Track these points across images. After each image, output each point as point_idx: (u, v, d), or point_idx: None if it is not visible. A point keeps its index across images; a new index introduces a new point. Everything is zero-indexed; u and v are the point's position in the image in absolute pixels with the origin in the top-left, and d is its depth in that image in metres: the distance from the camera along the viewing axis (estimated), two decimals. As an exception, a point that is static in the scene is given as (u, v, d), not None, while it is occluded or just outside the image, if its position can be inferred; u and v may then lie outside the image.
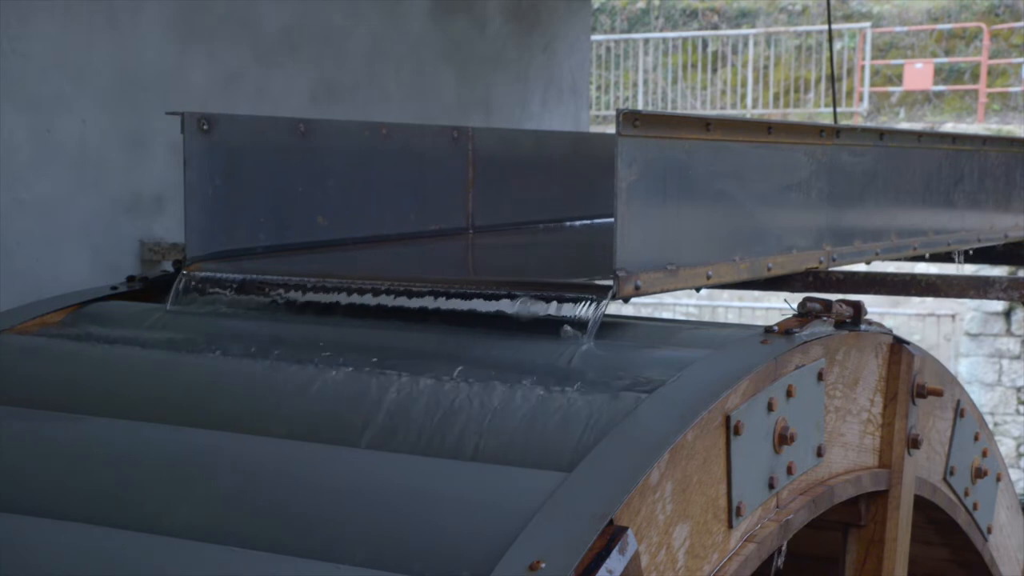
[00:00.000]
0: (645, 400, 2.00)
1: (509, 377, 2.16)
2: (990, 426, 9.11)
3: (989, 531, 3.11)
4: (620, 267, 2.24)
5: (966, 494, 2.98)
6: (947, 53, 17.08)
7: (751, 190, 2.69)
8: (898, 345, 2.60)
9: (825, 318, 2.40)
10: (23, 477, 2.16)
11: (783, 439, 2.16)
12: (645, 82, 17.93)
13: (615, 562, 1.67)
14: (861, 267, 3.28)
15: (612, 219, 2.25)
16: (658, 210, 2.35)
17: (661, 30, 18.62)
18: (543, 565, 1.63)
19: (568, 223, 4.24)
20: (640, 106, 17.13)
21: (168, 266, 3.11)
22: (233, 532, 1.91)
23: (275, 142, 3.12)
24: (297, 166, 3.15)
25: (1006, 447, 12.06)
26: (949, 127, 14.16)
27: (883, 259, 3.35)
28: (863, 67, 16.67)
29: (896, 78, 16.96)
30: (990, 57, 16.40)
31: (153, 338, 2.62)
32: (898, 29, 17.44)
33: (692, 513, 1.93)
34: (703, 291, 2.66)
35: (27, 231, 3.81)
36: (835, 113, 7.44)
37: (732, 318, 13.58)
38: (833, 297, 2.48)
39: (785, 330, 2.28)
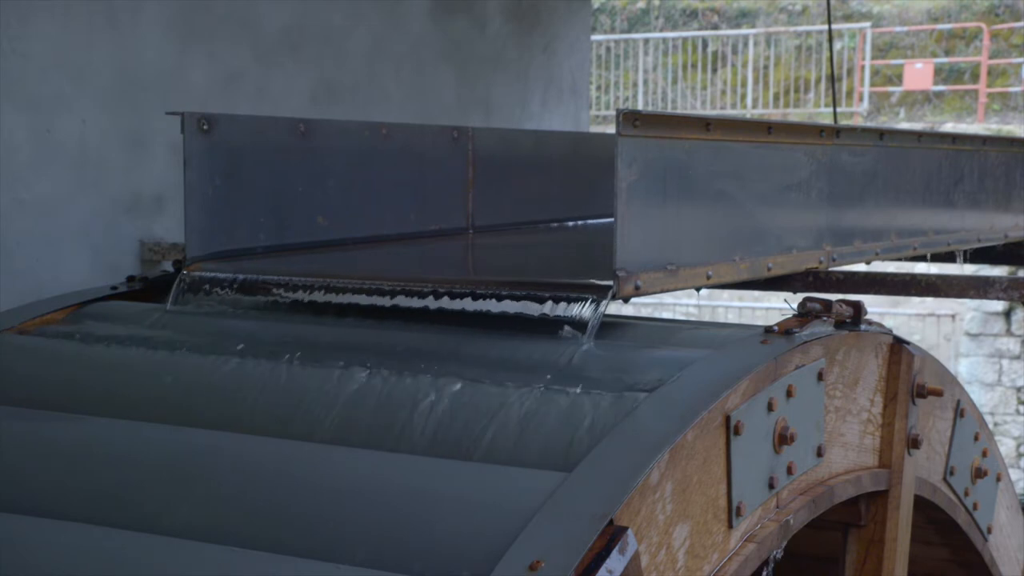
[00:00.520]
0: (645, 400, 2.00)
1: (509, 377, 2.16)
2: (990, 426, 9.11)
3: (989, 531, 3.11)
4: (620, 267, 2.24)
5: (966, 494, 2.98)
6: (947, 53, 17.08)
7: (751, 190, 2.69)
8: (898, 345, 2.59)
9: (825, 318, 2.39)
10: (23, 477, 2.16)
11: (783, 439, 2.16)
12: (645, 82, 17.93)
13: (615, 562, 1.67)
14: (861, 267, 3.28)
15: (612, 219, 2.25)
16: (658, 210, 2.35)
17: (661, 30, 18.62)
18: (543, 565, 1.63)
19: (568, 223, 4.24)
20: (640, 106, 17.13)
21: (168, 266, 3.11)
22: (233, 532, 1.91)
23: (275, 142, 3.12)
24: (297, 166, 3.15)
25: (1006, 447, 12.06)
26: (949, 127, 14.16)
27: (883, 259, 3.35)
28: (863, 67, 16.67)
29: (896, 78, 16.96)
30: (990, 57, 16.40)
31: (153, 338, 2.62)
32: (898, 29, 17.44)
33: (692, 513, 1.93)
34: (703, 291, 2.65)
35: (27, 231, 3.81)
36: (835, 113, 7.44)
37: (732, 318, 13.58)
38: (833, 297, 2.48)
39: (785, 330, 2.28)
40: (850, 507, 2.54)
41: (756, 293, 3.23)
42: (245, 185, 3.01)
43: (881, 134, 3.31)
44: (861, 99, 16.67)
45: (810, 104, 17.06)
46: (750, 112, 17.16)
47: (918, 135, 3.67)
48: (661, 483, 1.83)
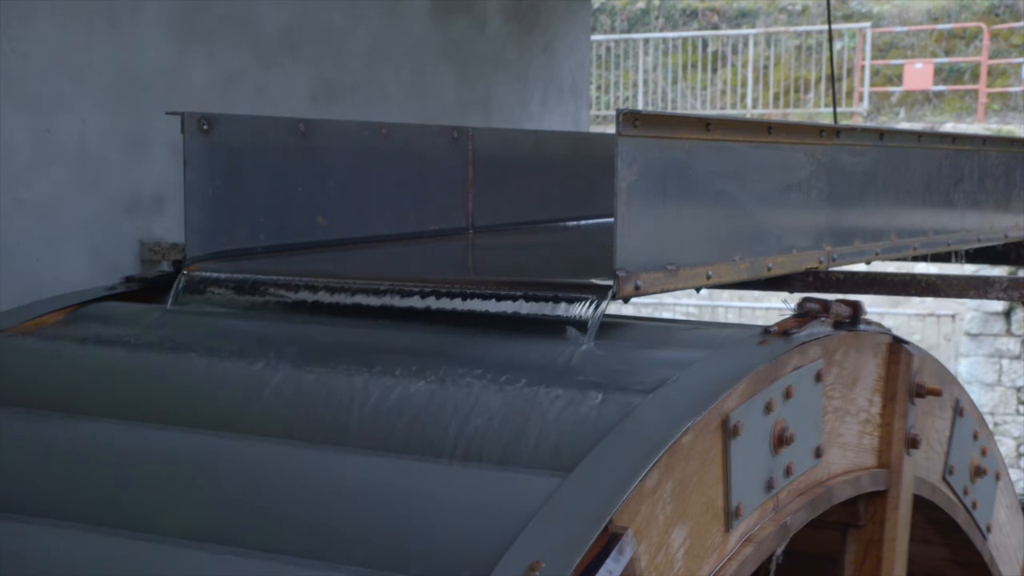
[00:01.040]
0: (643, 401, 2.00)
1: (508, 377, 2.15)
2: (990, 426, 9.10)
3: (988, 530, 3.11)
4: (620, 267, 2.23)
5: (965, 493, 2.97)
6: (947, 53, 17.08)
7: (751, 190, 2.68)
8: (897, 345, 2.59)
9: (823, 318, 2.39)
10: (20, 479, 2.15)
11: (781, 440, 2.15)
12: (645, 82, 17.93)
13: (614, 563, 1.67)
14: (861, 267, 3.28)
15: (612, 219, 2.25)
16: (658, 210, 2.35)
17: (661, 30, 18.62)
18: (542, 566, 1.63)
19: (568, 223, 4.24)
20: (640, 106, 17.13)
21: (167, 266, 3.10)
22: (231, 535, 1.90)
23: (275, 142, 3.12)
24: (297, 166, 3.15)
25: (1006, 447, 12.06)
26: (949, 127, 14.16)
27: (883, 259, 3.35)
28: (863, 67, 16.67)
29: (896, 78, 16.96)
30: (990, 57, 16.40)
31: (151, 339, 2.61)
32: (898, 29, 17.44)
33: (691, 514, 1.92)
34: (703, 291, 2.65)
35: (27, 231, 3.81)
36: (835, 113, 7.44)
37: (732, 318, 13.58)
38: (833, 297, 2.47)
39: (783, 331, 2.28)
40: (849, 507, 2.53)
41: (756, 293, 3.23)
42: (245, 185, 3.00)
43: (881, 134, 3.31)
44: (861, 99, 16.67)
45: (810, 104, 17.06)
46: (750, 112, 17.16)
47: (918, 135, 3.67)
48: (660, 485, 1.83)
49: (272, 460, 2.07)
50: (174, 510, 1.98)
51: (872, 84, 16.87)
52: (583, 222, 4.26)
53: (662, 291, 2.37)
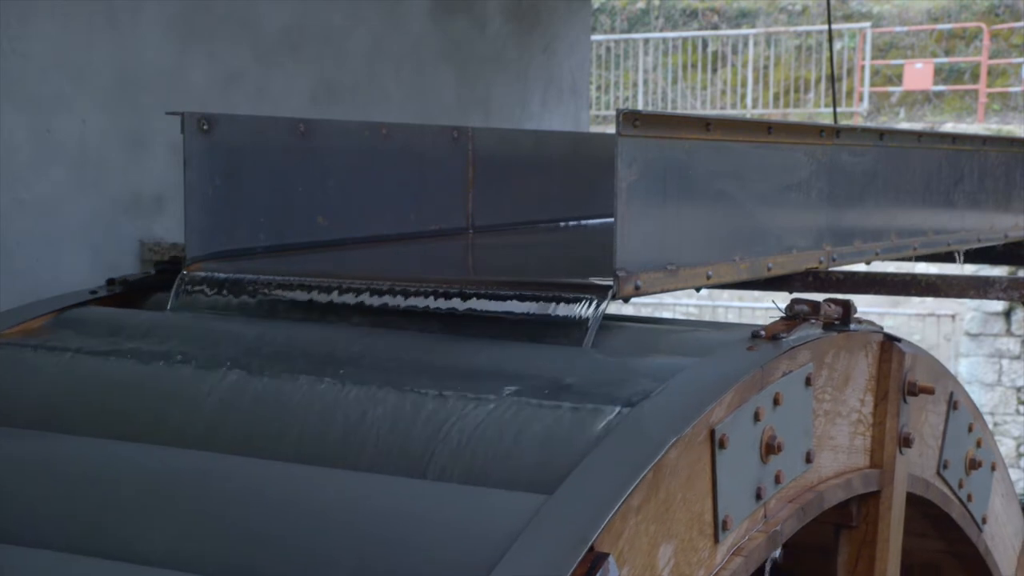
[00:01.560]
0: (628, 415, 1.96)
1: (495, 387, 2.12)
2: (990, 426, 9.11)
3: (984, 521, 3.08)
4: (620, 267, 2.23)
5: (960, 486, 2.94)
6: (947, 53, 17.08)
7: (751, 190, 2.68)
8: (888, 343, 2.56)
9: (813, 320, 2.35)
10: None
11: (770, 449, 2.11)
12: (645, 82, 17.93)
13: (597, 588, 1.63)
14: (861, 267, 3.28)
15: (612, 219, 2.24)
16: (658, 210, 2.35)
17: (661, 30, 18.62)
18: None
19: (568, 223, 4.23)
20: (640, 106, 17.13)
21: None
22: (210, 557, 1.87)
23: (275, 142, 3.12)
24: (297, 166, 3.15)
25: (1006, 447, 12.06)
26: (949, 127, 14.16)
27: (883, 259, 3.34)
28: (863, 67, 16.67)
29: (896, 78, 16.96)
30: (990, 57, 16.40)
31: (132, 349, 2.52)
32: (898, 29, 17.44)
33: (676, 531, 1.89)
34: (703, 291, 2.65)
35: (27, 231, 3.81)
36: (835, 113, 7.45)
37: (732, 318, 13.58)
38: (823, 297, 2.45)
39: (772, 335, 2.24)
40: (841, 508, 2.50)
41: (756, 293, 3.22)
42: (245, 185, 3.00)
43: (881, 134, 3.31)
44: (861, 99, 16.67)
45: (810, 104, 17.06)
46: (750, 112, 17.16)
47: (918, 135, 3.67)
48: (644, 504, 1.80)
49: (253, 479, 2.02)
50: (151, 533, 1.93)
51: (872, 84, 16.87)
52: (583, 222, 4.26)
53: (662, 291, 2.37)
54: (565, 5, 6.37)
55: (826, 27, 14.03)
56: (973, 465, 2.99)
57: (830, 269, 3.04)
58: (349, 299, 2.63)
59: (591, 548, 1.67)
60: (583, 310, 2.36)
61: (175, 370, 2.40)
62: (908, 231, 3.47)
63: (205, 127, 2.89)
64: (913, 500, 2.70)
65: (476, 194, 3.80)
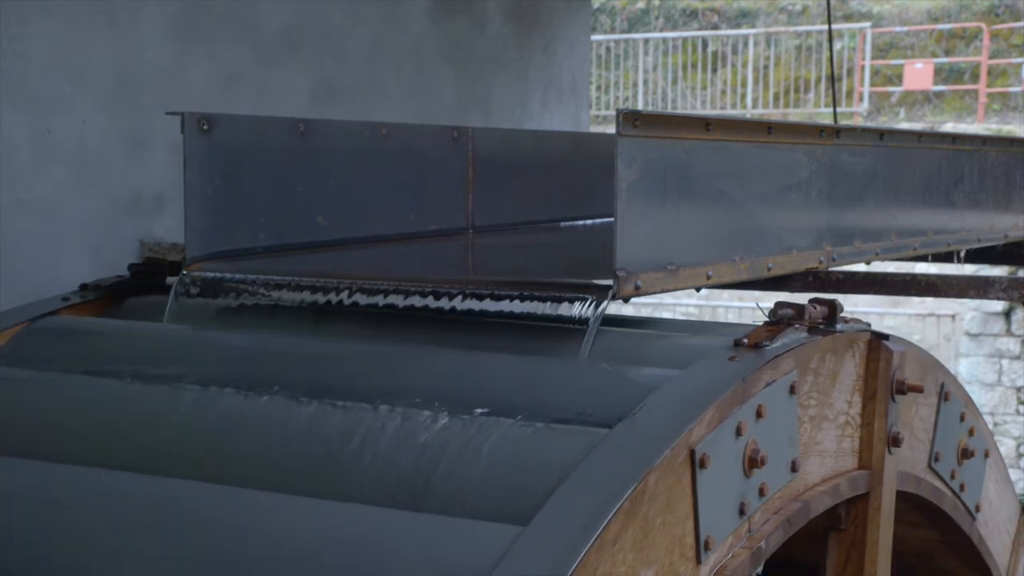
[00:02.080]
0: (606, 438, 1.90)
1: (472, 408, 2.07)
2: (990, 426, 9.11)
3: (977, 509, 3.04)
4: (620, 267, 2.23)
5: (952, 476, 2.89)
6: (947, 53, 17.08)
7: (751, 190, 2.68)
8: (876, 341, 2.49)
9: (797, 325, 2.30)
10: None
11: (753, 463, 2.06)
12: (645, 82, 17.93)
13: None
14: (861, 267, 3.28)
15: (612, 219, 2.24)
16: (658, 210, 2.35)
17: (661, 30, 18.62)
18: None
19: (568, 223, 4.23)
20: (640, 106, 17.13)
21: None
22: None
23: (275, 142, 3.12)
24: (297, 166, 3.15)
25: (1006, 447, 12.06)
26: (949, 127, 14.16)
27: (883, 259, 3.34)
28: (863, 67, 16.67)
29: (896, 78, 16.96)
30: (990, 57, 16.40)
31: (100, 364, 2.43)
32: (898, 29, 17.44)
33: (656, 557, 1.84)
34: (703, 291, 2.65)
35: (27, 231, 3.81)
36: (835, 113, 7.45)
37: (732, 318, 13.58)
38: (807, 298, 2.42)
39: (755, 343, 2.18)
40: (830, 510, 2.44)
41: (756, 293, 3.22)
42: (245, 185, 3.00)
43: (881, 134, 3.31)
44: (861, 99, 16.67)
45: (810, 104, 17.06)
46: (750, 112, 17.16)
47: (918, 135, 3.67)
48: (621, 533, 1.75)
49: (224, 507, 1.96)
50: (119, 566, 1.89)
51: (872, 84, 16.87)
52: (583, 222, 4.26)
53: (662, 291, 2.37)
54: (565, 5, 6.37)
55: (826, 27, 14.03)
56: (966, 455, 2.92)
57: (830, 269, 3.04)
58: (349, 299, 2.63)
59: None
60: (583, 310, 2.35)
61: (143, 390, 2.33)
62: (908, 231, 3.47)
63: (205, 127, 2.89)
64: (904, 494, 2.66)
65: (476, 194, 3.80)
